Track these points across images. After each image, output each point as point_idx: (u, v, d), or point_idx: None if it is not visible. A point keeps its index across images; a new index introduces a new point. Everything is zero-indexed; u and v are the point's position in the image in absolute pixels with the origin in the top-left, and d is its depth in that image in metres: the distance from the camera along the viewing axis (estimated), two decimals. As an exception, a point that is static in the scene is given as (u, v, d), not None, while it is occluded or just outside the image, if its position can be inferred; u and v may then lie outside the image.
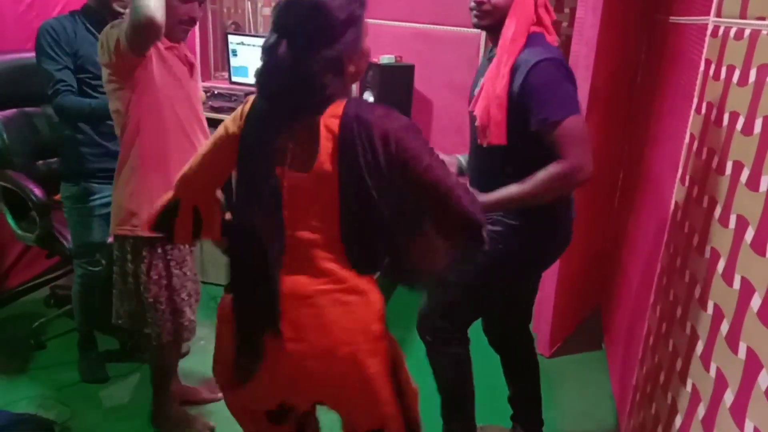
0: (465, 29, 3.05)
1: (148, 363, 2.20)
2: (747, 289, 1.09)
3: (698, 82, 1.61)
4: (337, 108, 1.20)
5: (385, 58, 2.97)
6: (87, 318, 2.38)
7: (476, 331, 1.94)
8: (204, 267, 2.97)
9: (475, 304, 1.85)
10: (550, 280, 2.58)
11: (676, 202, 1.73)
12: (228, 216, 1.39)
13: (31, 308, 2.88)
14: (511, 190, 1.56)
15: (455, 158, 1.87)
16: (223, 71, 3.64)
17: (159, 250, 1.85)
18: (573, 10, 2.82)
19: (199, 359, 2.46)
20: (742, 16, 1.33)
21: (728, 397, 1.10)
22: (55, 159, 2.53)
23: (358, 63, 1.23)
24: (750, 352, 1.04)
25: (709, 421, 1.19)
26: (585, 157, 1.52)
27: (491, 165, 1.69)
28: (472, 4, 1.62)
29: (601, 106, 2.47)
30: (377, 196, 1.20)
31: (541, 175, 1.54)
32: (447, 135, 3.19)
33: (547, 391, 2.11)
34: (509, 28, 1.57)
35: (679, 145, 1.74)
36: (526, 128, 1.56)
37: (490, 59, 1.69)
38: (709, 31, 1.57)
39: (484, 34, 2.79)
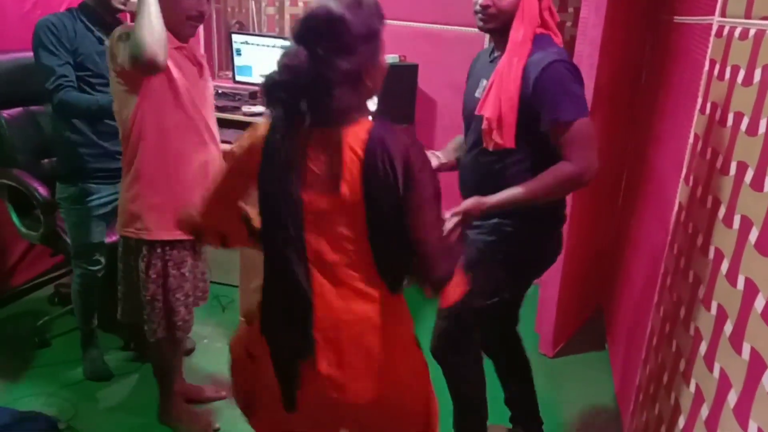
0: (469, 29, 3.04)
1: (149, 360, 2.21)
2: (751, 290, 1.09)
3: (702, 82, 1.61)
4: (362, 130, 1.19)
5: (389, 58, 2.97)
6: (88, 317, 2.38)
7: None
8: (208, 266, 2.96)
9: (487, 311, 1.84)
10: (553, 280, 2.58)
11: (680, 203, 1.73)
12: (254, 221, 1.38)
13: (35, 306, 2.89)
14: (519, 189, 1.56)
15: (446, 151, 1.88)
16: (227, 70, 3.65)
17: (158, 250, 1.86)
18: (577, 10, 2.82)
19: (202, 357, 2.46)
20: (747, 15, 1.33)
21: (732, 398, 1.10)
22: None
23: (375, 77, 1.23)
24: (754, 352, 1.04)
25: (712, 422, 1.18)
26: (592, 158, 1.55)
27: (492, 167, 1.68)
28: (477, 7, 1.61)
29: (605, 105, 2.47)
30: (398, 216, 1.20)
31: (550, 174, 1.55)
32: (450, 134, 3.15)
33: (550, 392, 2.11)
34: (518, 31, 1.58)
35: (683, 145, 1.74)
36: (533, 130, 1.57)
37: (491, 61, 1.70)
38: (713, 31, 1.57)
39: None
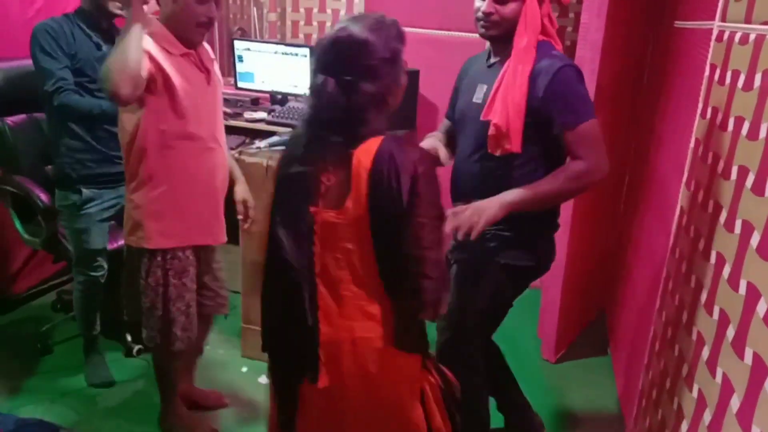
0: (470, 34, 3.04)
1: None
2: (753, 294, 1.09)
3: (703, 86, 1.62)
4: (372, 144, 1.19)
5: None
6: (90, 323, 2.38)
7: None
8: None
9: (489, 319, 1.84)
10: (555, 285, 2.57)
11: (681, 207, 1.73)
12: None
13: (37, 313, 2.89)
14: (531, 189, 1.57)
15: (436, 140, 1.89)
16: (229, 77, 3.66)
17: (158, 259, 1.85)
18: (578, 15, 2.82)
19: (204, 364, 2.45)
20: (747, 20, 1.33)
21: (734, 403, 1.10)
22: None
23: (396, 96, 1.26)
24: (756, 357, 1.04)
25: (715, 427, 1.18)
26: (603, 157, 1.59)
27: (496, 172, 1.67)
28: (480, 14, 1.62)
29: (606, 109, 2.47)
30: (402, 230, 1.19)
31: (563, 174, 1.58)
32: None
33: (552, 397, 2.11)
34: (522, 38, 1.59)
35: (685, 150, 1.74)
36: (538, 134, 1.59)
37: (489, 67, 1.70)
38: (714, 36, 1.57)
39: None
